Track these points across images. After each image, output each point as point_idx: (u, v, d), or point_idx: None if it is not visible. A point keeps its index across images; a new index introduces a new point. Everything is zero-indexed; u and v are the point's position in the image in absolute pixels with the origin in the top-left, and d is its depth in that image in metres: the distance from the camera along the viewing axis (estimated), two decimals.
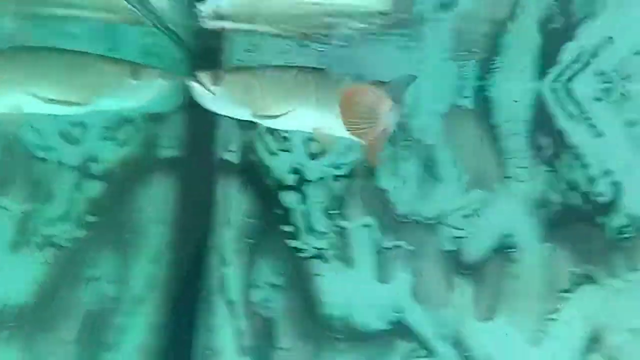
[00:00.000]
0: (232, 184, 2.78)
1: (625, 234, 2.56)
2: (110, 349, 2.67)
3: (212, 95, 2.20)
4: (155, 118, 2.68)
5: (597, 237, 2.58)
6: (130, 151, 2.73)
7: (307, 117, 2.23)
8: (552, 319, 2.59)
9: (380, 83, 2.12)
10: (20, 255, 2.48)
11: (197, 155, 2.75)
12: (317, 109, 2.22)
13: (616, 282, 2.56)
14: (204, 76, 2.20)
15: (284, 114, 2.22)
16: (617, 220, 2.58)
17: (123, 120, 2.66)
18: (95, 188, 2.64)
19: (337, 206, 2.74)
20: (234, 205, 2.80)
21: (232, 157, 2.78)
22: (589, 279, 2.58)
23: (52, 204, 2.58)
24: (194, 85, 2.17)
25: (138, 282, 2.73)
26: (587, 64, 2.55)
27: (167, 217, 2.77)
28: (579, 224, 2.64)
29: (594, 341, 2.56)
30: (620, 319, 2.54)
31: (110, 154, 2.70)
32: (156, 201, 2.78)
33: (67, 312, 2.59)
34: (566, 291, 2.60)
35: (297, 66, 2.28)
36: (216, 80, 2.21)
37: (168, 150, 2.74)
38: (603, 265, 2.57)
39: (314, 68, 2.23)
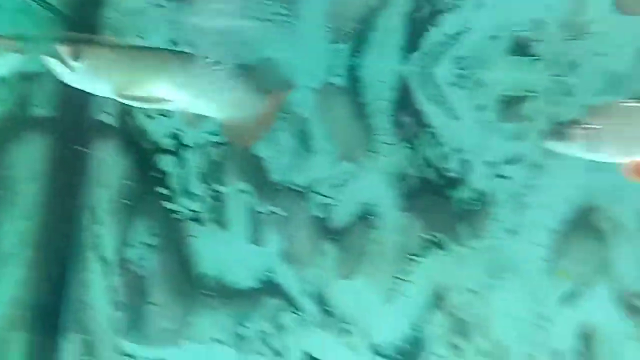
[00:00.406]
0: (109, 146, 2.34)
1: (471, 206, 2.30)
2: None
3: (70, 70, 1.67)
4: (29, 77, 2.23)
5: (447, 208, 2.30)
6: (3, 110, 2.28)
7: (171, 98, 1.77)
8: (403, 280, 2.31)
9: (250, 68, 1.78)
10: None
11: (72, 115, 2.29)
12: (181, 91, 1.76)
13: (461, 248, 2.30)
14: (62, 50, 1.68)
15: (147, 97, 1.74)
16: (464, 194, 2.30)
17: None
18: None
19: (213, 171, 2.35)
20: (109, 166, 2.36)
21: (109, 119, 2.34)
22: (437, 245, 2.31)
23: None
24: (50, 59, 1.67)
25: (9, 238, 2.31)
26: (446, 50, 2.27)
27: (40, 175, 2.32)
28: (431, 196, 2.34)
29: (438, 300, 2.30)
30: (462, 281, 2.30)
31: None
32: (29, 159, 2.32)
33: None
34: (416, 255, 2.31)
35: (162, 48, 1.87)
36: (76, 55, 1.68)
37: (42, 109, 2.29)
38: (450, 233, 2.31)
39: (180, 51, 1.84)
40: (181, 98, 1.77)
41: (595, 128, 1.61)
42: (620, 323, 2.21)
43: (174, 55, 1.85)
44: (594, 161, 2.12)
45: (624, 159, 1.69)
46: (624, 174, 1.66)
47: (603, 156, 1.67)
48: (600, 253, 2.22)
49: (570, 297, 2.23)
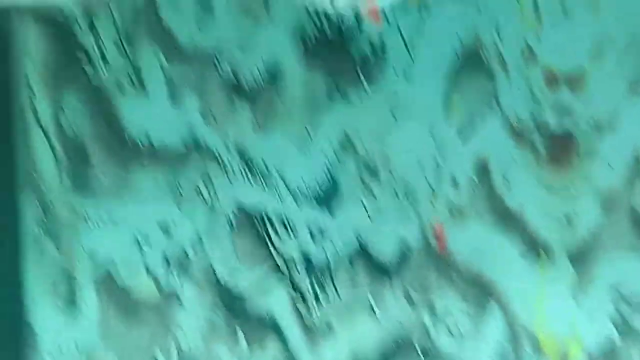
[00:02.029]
0: (31, 21, 2.42)
1: (365, 55, 2.44)
2: None
3: None
4: None
5: (346, 60, 2.44)
6: None
7: None
8: (313, 130, 2.50)
9: None
10: None
11: None
12: None
13: (362, 95, 2.46)
14: None
15: None
16: (360, 45, 2.42)
17: None
18: None
19: (125, 37, 2.46)
20: (32, 38, 2.44)
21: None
22: (340, 95, 2.47)
23: None
24: None
25: None
26: None
27: None
28: (331, 49, 2.44)
29: (346, 145, 2.52)
30: (366, 126, 2.49)
31: None
32: None
33: None
34: (323, 106, 2.50)
35: None
36: None
37: None
38: (351, 82, 2.45)
39: None
40: None
41: None
42: (511, 151, 2.40)
43: None
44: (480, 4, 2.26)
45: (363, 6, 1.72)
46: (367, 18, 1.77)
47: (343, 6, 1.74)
48: (489, 87, 2.36)
49: (464, 132, 2.42)
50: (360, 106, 2.58)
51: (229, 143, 2.69)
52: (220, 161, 2.67)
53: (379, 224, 2.58)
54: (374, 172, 2.55)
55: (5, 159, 2.47)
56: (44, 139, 2.63)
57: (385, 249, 2.64)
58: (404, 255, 2.66)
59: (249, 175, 2.72)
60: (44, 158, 2.66)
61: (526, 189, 2.58)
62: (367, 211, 2.53)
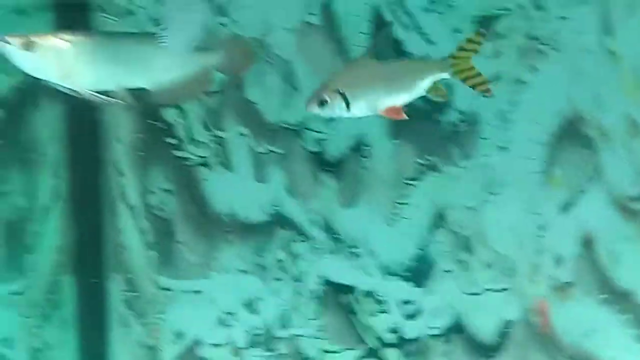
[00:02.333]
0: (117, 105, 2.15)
1: (459, 127, 2.34)
2: (30, 251, 2.50)
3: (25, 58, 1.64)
4: None
5: (436, 132, 2.35)
6: (19, 79, 2.38)
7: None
8: (402, 203, 2.40)
9: None
10: None
11: None
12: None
13: (454, 168, 2.37)
14: (14, 40, 1.64)
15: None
16: (451, 116, 2.33)
17: None
18: None
19: (213, 118, 2.45)
20: (122, 121, 2.49)
21: None
22: (430, 168, 2.37)
23: None
24: (4, 46, 1.61)
25: (44, 194, 2.51)
26: None
27: (61, 136, 2.49)
28: (420, 121, 2.33)
29: (438, 219, 2.38)
30: (459, 200, 2.38)
31: (2, 84, 2.40)
32: (49, 123, 2.49)
33: None
34: (412, 179, 2.39)
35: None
36: (28, 46, 1.64)
37: None
38: (442, 155, 2.36)
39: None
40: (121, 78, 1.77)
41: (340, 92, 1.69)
42: (618, 226, 2.21)
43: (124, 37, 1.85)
44: (577, 72, 2.10)
45: (380, 110, 1.75)
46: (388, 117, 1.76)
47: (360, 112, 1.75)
48: (592, 160, 2.19)
49: (566, 205, 2.25)
50: (453, 180, 2.43)
51: (314, 217, 2.60)
52: (306, 236, 2.57)
53: (476, 300, 2.40)
54: (469, 248, 2.38)
55: (93, 238, 2.46)
56: (131, 217, 2.62)
57: (483, 326, 2.46)
58: (504, 333, 2.47)
59: (336, 250, 2.62)
60: (131, 236, 2.65)
61: (637, 265, 2.36)
62: (462, 287, 2.36)
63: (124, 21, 2.38)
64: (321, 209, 2.40)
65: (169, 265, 2.49)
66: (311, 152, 2.36)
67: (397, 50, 2.32)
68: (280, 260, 2.43)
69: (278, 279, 2.44)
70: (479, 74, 1.78)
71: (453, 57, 1.77)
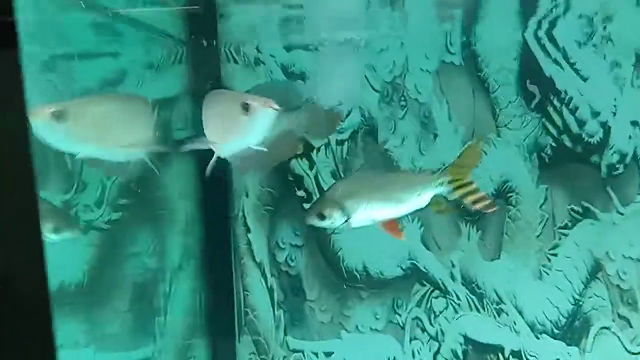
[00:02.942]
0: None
1: (616, 170, 2.11)
2: (160, 314, 2.40)
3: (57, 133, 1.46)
4: (165, 102, 2.26)
5: (591, 175, 2.13)
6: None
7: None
8: (553, 254, 2.18)
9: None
10: (68, 240, 1.98)
11: None
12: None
13: (611, 215, 2.12)
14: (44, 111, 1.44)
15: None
16: (607, 158, 2.10)
17: None
18: None
19: (343, 168, 2.33)
20: (249, 177, 2.42)
21: None
22: (585, 215, 2.15)
23: (86, 192, 2.20)
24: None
25: (175, 253, 2.41)
26: (567, 8, 2.05)
27: (191, 192, 2.41)
28: (572, 164, 2.16)
29: (594, 271, 2.16)
30: (618, 249, 2.14)
31: None
32: (179, 179, 2.41)
33: (117, 286, 2.30)
34: (565, 227, 2.17)
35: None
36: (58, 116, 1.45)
37: (181, 131, 2.32)
38: (597, 200, 2.13)
39: None
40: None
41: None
42: None
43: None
44: None
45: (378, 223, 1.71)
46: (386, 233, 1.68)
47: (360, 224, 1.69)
48: None
49: None
50: (609, 227, 2.18)
51: (454, 271, 2.39)
52: (445, 291, 2.36)
53: (639, 359, 2.12)
54: (631, 302, 2.12)
55: (224, 298, 2.32)
56: (260, 276, 2.47)
57: None
58: None
59: (478, 306, 2.38)
60: (260, 297, 2.50)
61: None
62: (623, 344, 2.10)
63: (251, 71, 2.27)
64: (462, 262, 2.18)
65: (299, 326, 2.33)
66: (450, 200, 2.16)
67: (546, 88, 2.09)
68: (417, 318, 2.22)
69: (415, 339, 2.23)
70: (478, 190, 1.69)
71: (451, 171, 1.68)
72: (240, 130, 1.43)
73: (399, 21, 2.07)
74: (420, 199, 1.74)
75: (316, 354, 2.27)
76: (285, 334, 2.30)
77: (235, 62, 2.27)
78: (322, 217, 1.74)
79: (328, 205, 1.73)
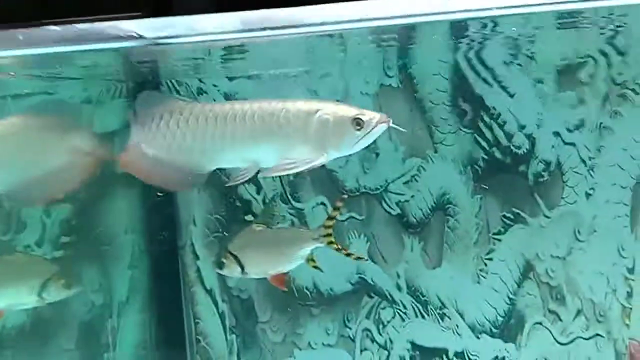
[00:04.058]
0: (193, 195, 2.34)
1: (542, 177, 2.27)
2: (108, 350, 2.30)
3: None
4: (105, 137, 1.95)
5: (520, 184, 2.28)
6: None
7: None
8: (489, 259, 2.30)
9: None
10: None
11: None
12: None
13: (540, 219, 2.28)
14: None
15: None
16: (534, 167, 2.26)
17: None
18: (63, 211, 2.14)
19: (291, 191, 2.35)
20: (195, 205, 2.36)
21: None
22: (516, 221, 2.29)
23: (26, 232, 2.07)
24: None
25: (122, 287, 2.33)
26: (493, 31, 2.06)
27: (135, 225, 2.35)
28: (502, 174, 2.30)
29: (526, 271, 2.29)
30: (547, 250, 2.30)
31: None
32: (122, 213, 2.33)
33: (63, 324, 2.17)
34: (498, 233, 2.31)
35: None
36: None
37: None
38: (527, 206, 2.29)
39: None
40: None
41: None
42: None
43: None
44: None
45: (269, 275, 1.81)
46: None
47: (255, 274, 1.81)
48: None
49: None
50: (538, 230, 2.33)
51: (399, 282, 2.46)
52: (392, 301, 2.43)
53: (568, 349, 2.29)
54: (559, 297, 2.28)
55: (173, 323, 2.26)
56: (211, 302, 2.42)
57: None
58: None
59: (423, 313, 2.47)
60: (211, 323, 2.45)
61: None
62: (554, 337, 2.25)
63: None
64: (407, 272, 2.26)
65: (252, 348, 2.32)
66: (392, 215, 2.24)
67: (477, 106, 2.20)
68: (366, 330, 2.28)
69: (365, 349, 2.28)
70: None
71: (324, 226, 1.80)
72: (352, 145, 1.41)
73: (338, 49, 2.11)
74: (301, 253, 1.81)
75: None
76: (239, 358, 2.27)
77: (178, 92, 2.22)
78: (220, 266, 1.82)
79: (226, 255, 1.80)
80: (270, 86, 2.19)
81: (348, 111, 1.40)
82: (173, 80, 2.20)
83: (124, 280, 2.25)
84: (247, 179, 1.44)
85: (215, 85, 2.21)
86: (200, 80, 2.20)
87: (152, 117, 1.42)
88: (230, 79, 2.20)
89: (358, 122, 1.40)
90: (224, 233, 2.27)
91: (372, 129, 1.40)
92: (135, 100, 1.44)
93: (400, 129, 1.46)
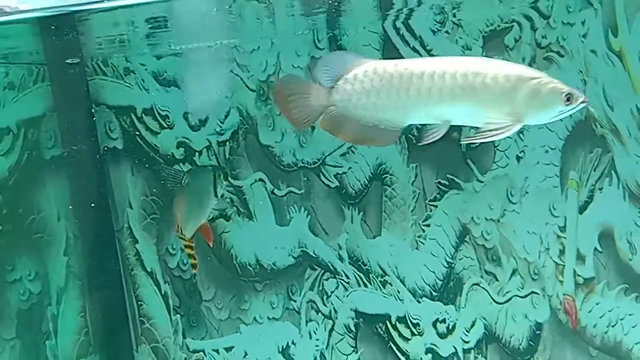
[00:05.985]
0: (124, 169, 2.25)
1: (473, 143, 2.16)
2: (50, 337, 2.19)
3: None
4: (30, 123, 2.09)
5: (453, 150, 2.22)
6: (16, 159, 2.11)
7: None
8: (426, 225, 2.26)
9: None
10: None
11: (82, 148, 2.17)
12: None
13: (473, 184, 2.24)
14: None
15: None
16: (466, 133, 2.13)
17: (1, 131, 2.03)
18: None
19: (229, 169, 2.24)
20: (130, 187, 2.25)
21: (117, 143, 2.25)
22: (450, 187, 2.25)
23: None
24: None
25: (59, 275, 2.21)
26: (420, 2, 2.05)
27: (70, 212, 2.21)
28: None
29: (462, 235, 2.26)
30: (481, 213, 2.26)
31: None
32: (54, 199, 2.20)
33: (0, 315, 2.05)
34: (434, 199, 2.26)
35: None
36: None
37: (52, 150, 2.16)
38: (461, 172, 2.23)
39: None
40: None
41: None
42: (634, 217, 2.12)
43: None
44: (585, 75, 1.98)
45: None
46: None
47: None
48: (605, 158, 2.09)
49: (585, 204, 2.14)
50: (472, 195, 2.29)
51: (341, 252, 2.39)
52: (335, 272, 2.35)
53: (505, 307, 2.27)
54: (495, 258, 2.25)
55: (116, 312, 2.15)
56: (153, 284, 2.30)
57: (514, 331, 2.33)
58: (536, 336, 2.34)
59: (366, 281, 2.41)
60: (155, 305, 2.34)
61: None
62: (491, 297, 2.23)
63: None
64: (348, 243, 2.18)
65: (197, 327, 2.22)
66: (331, 188, 2.15)
67: None
68: (311, 301, 2.20)
69: (311, 320, 2.21)
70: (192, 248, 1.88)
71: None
72: (551, 117, 1.39)
73: (267, 22, 1.99)
74: None
75: (217, 351, 2.18)
76: (185, 337, 2.17)
77: (104, 74, 2.07)
78: None
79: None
80: (198, 63, 2.06)
81: (560, 84, 1.37)
82: (98, 61, 2.05)
83: (61, 267, 2.14)
84: (438, 137, 1.42)
85: (142, 64, 2.07)
86: (126, 60, 2.05)
87: (345, 77, 1.42)
88: (158, 57, 2.06)
89: (568, 98, 1.36)
90: (162, 215, 2.14)
91: (577, 105, 1.36)
92: (324, 62, 1.45)
93: (593, 110, 1.55)
